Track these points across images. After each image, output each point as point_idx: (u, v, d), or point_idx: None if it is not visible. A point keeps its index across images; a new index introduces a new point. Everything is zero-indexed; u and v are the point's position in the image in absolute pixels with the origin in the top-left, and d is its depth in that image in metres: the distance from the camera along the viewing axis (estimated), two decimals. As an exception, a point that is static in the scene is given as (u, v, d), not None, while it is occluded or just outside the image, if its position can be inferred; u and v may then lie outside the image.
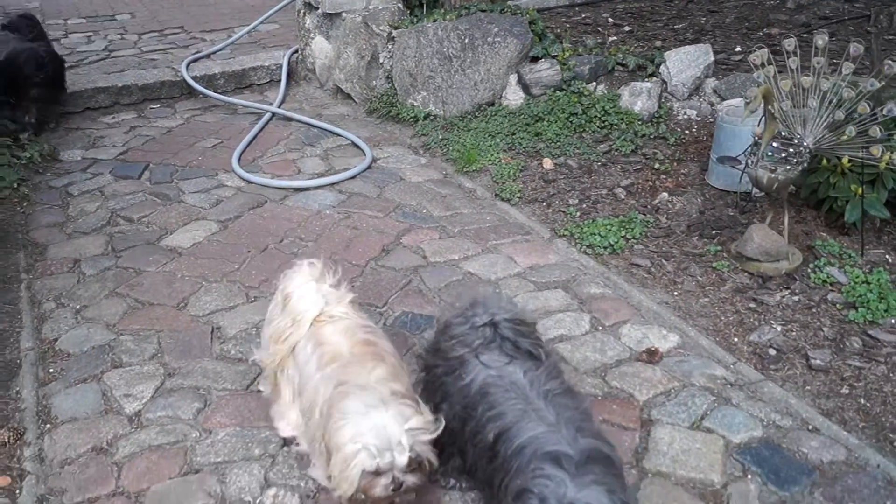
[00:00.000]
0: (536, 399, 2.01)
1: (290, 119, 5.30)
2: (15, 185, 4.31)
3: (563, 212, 3.91)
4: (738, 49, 5.38)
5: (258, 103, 5.57)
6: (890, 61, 3.25)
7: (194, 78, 5.72)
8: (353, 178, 4.36)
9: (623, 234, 3.65)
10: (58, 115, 5.27)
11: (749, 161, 3.35)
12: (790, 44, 3.43)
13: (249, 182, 4.36)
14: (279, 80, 5.90)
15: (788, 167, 3.26)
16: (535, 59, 5.01)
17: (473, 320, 2.19)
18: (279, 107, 5.50)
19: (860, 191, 3.41)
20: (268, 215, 3.99)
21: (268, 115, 5.27)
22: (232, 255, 3.62)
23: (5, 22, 5.29)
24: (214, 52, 6.30)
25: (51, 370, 2.92)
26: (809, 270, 3.34)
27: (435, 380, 2.26)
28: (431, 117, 5.01)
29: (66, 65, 5.60)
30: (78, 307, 3.28)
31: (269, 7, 7.57)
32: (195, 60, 6.06)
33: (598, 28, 6.03)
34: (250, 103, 5.55)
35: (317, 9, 5.68)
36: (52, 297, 3.36)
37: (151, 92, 5.70)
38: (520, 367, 2.10)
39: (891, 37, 5.50)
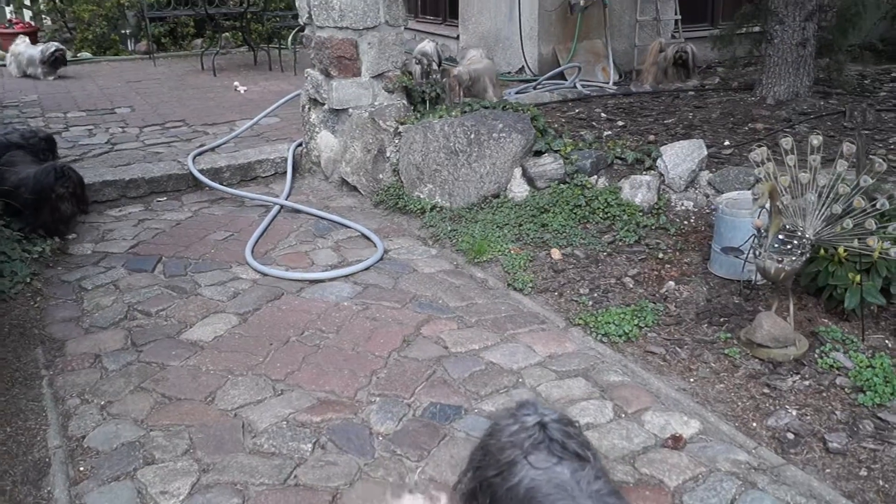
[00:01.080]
0: (584, 499, 2.07)
1: (298, 211, 5.42)
2: (28, 280, 4.35)
3: (576, 301, 4.03)
4: (727, 143, 5.62)
5: (266, 196, 5.70)
6: (879, 159, 3.51)
7: (201, 171, 5.86)
8: (366, 269, 4.47)
9: (636, 322, 3.77)
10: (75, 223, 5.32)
11: (756, 253, 3.55)
12: (787, 143, 3.68)
13: (265, 275, 4.45)
14: (284, 173, 6.06)
15: (793, 258, 3.46)
16: (538, 154, 5.22)
17: (523, 421, 2.26)
18: (286, 199, 5.63)
19: (858, 279, 3.57)
20: (286, 307, 4.07)
21: (276, 208, 5.40)
22: (255, 348, 3.68)
23: (21, 141, 5.34)
24: (219, 146, 6.45)
25: (81, 468, 2.91)
26: (816, 356, 3.47)
27: (483, 482, 2.31)
28: (438, 209, 5.17)
29: (70, 158, 5.71)
30: (103, 403, 3.30)
31: (267, 101, 7.82)
32: (200, 153, 6.20)
33: (593, 123, 6.28)
34: (258, 196, 5.68)
35: (323, 105, 5.90)
36: (75, 393, 3.37)
37: (158, 185, 5.82)
38: (567, 467, 2.16)
39: (866, 131, 5.79)
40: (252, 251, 4.71)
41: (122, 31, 11.65)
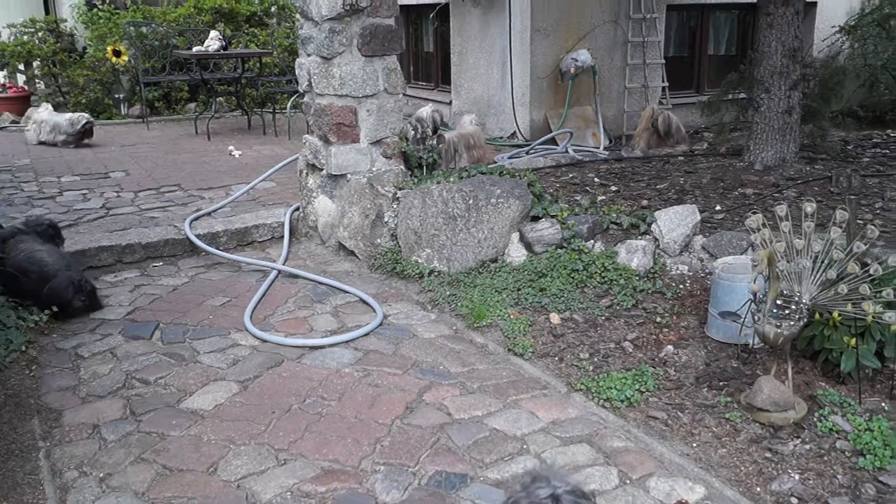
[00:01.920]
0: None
1: (295, 276, 5.45)
2: (23, 348, 4.32)
3: (577, 366, 4.06)
4: (718, 208, 5.72)
5: (263, 260, 5.73)
6: (872, 226, 3.63)
7: (197, 236, 5.89)
8: (366, 335, 4.49)
9: (637, 387, 3.79)
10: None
11: (754, 317, 3.61)
12: (782, 209, 3.80)
13: (264, 341, 4.45)
14: (281, 237, 6.09)
15: (791, 322, 3.53)
16: (535, 219, 5.30)
17: (536, 493, 2.27)
18: (284, 264, 5.66)
19: (853, 342, 3.63)
20: (287, 374, 4.07)
21: (274, 273, 5.42)
22: (256, 416, 3.67)
23: (24, 227, 5.32)
24: (215, 210, 6.49)
25: (82, 544, 2.87)
26: (815, 419, 3.49)
27: None
28: (436, 273, 5.21)
29: (65, 223, 5.70)
30: (102, 475, 3.25)
31: (262, 165, 7.90)
32: (197, 218, 6.23)
33: (587, 188, 6.38)
34: (255, 261, 5.71)
35: (321, 170, 5.97)
36: (73, 465, 3.32)
37: (154, 250, 5.83)
38: (580, 539, 2.17)
39: (852, 196, 5.90)
40: (251, 317, 4.72)
41: (116, 96, 11.75)
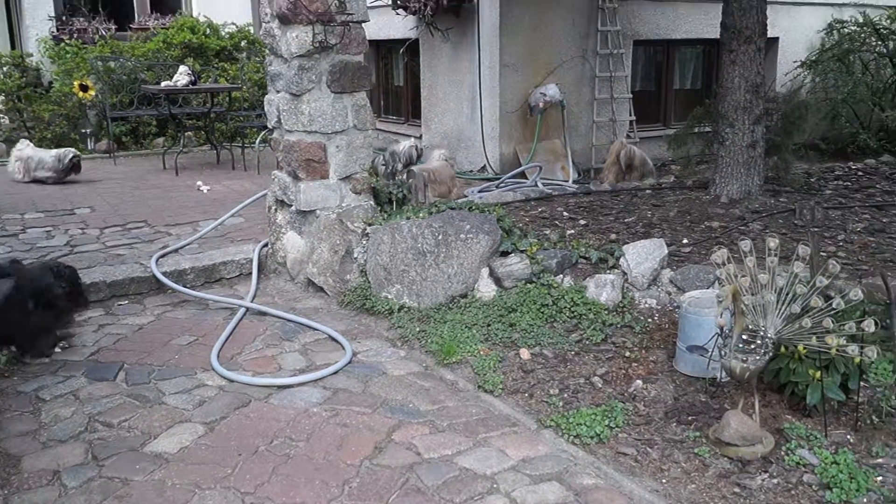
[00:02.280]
0: None
1: (264, 314, 5.40)
2: (-20, 393, 4.24)
3: (546, 402, 4.05)
4: (685, 241, 5.78)
5: (231, 298, 5.68)
6: (834, 261, 3.70)
7: (164, 273, 5.81)
8: (335, 373, 4.44)
9: (607, 422, 3.79)
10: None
11: (721, 352, 3.64)
12: (746, 245, 3.85)
13: (231, 381, 4.38)
14: (249, 274, 6.04)
15: (757, 357, 3.56)
16: (504, 254, 5.30)
17: None
18: (252, 301, 5.61)
19: (818, 375, 3.67)
20: (255, 415, 4.02)
21: (242, 311, 5.37)
22: (223, 458, 3.60)
23: None
24: (183, 247, 6.43)
25: None
26: (783, 453, 3.51)
27: None
28: (406, 309, 5.19)
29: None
30: (62, 524, 3.16)
31: (231, 200, 7.86)
32: (164, 255, 6.17)
33: (556, 222, 6.41)
34: (223, 298, 5.65)
35: (290, 206, 5.95)
36: (33, 513, 3.23)
37: (120, 288, 5.73)
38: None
39: (815, 228, 5.99)
40: (218, 356, 4.65)
41: (83, 131, 11.63)
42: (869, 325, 3.50)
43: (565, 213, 6.78)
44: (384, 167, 6.58)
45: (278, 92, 5.84)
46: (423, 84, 10.72)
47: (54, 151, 9.50)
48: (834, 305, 3.58)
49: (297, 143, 5.74)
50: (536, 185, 8.40)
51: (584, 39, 9.65)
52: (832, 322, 3.57)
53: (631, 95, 10.02)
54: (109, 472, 3.52)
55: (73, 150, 9.65)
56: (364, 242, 5.53)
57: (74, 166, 9.44)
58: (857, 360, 3.59)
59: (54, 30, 12.50)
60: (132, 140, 11.92)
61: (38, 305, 4.73)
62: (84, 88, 10.74)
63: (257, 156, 10.36)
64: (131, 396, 4.24)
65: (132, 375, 4.50)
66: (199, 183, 9.09)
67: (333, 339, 4.93)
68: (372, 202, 5.97)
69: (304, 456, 3.61)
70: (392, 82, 12.16)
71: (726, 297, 3.50)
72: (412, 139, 7.49)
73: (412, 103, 11.45)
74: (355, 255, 5.56)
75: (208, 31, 12.87)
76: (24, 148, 9.56)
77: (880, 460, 3.44)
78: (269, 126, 6.13)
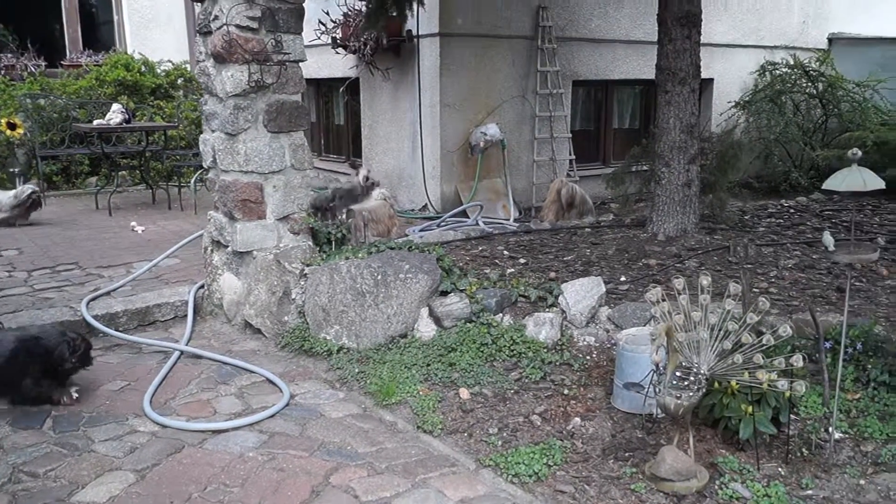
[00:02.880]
0: None
1: (199, 357, 5.30)
2: None
3: (485, 441, 4.03)
4: (623, 279, 5.84)
5: (165, 341, 5.56)
6: (763, 298, 3.81)
7: (95, 317, 5.66)
8: (272, 416, 4.37)
9: (545, 461, 3.78)
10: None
11: (656, 390, 3.68)
12: (679, 283, 3.93)
13: (164, 426, 4.28)
14: (185, 316, 5.93)
15: (691, 393, 3.62)
16: (444, 293, 5.30)
17: None
18: (187, 344, 5.51)
19: (750, 410, 3.73)
20: (188, 461, 3.92)
21: (176, 354, 5.26)
22: (154, 506, 3.52)
23: None
24: (115, 289, 6.28)
25: None
26: (717, 487, 3.55)
27: None
28: (345, 350, 5.14)
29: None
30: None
31: (166, 241, 7.73)
32: (95, 298, 6.01)
33: (496, 260, 6.44)
34: (157, 341, 5.53)
35: (226, 247, 5.87)
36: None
37: (49, 333, 5.60)
38: None
39: (749, 265, 6.12)
40: (151, 401, 4.54)
41: (11, 170, 11.25)
42: (797, 360, 3.60)
43: (505, 252, 6.81)
44: (326, 203, 6.56)
45: (214, 131, 5.79)
46: (364, 123, 10.75)
47: (12, 192, 9.11)
48: (764, 341, 3.69)
49: (233, 183, 5.68)
50: (478, 224, 8.45)
51: (524, 79, 9.79)
52: (763, 357, 3.67)
53: (570, 134, 10.17)
54: (33, 524, 3.40)
55: (30, 185, 9.31)
56: (302, 283, 5.48)
57: (34, 203, 9.10)
58: (788, 394, 3.67)
59: (-20, 66, 12.21)
60: (63, 180, 11.63)
61: (45, 374, 4.59)
62: (12, 126, 10.45)
63: (194, 196, 10.24)
64: (59, 445, 4.11)
65: (60, 423, 4.37)
66: (134, 223, 8.93)
67: (271, 382, 4.85)
68: (310, 242, 5.93)
69: (238, 502, 3.53)
70: (333, 121, 12.16)
71: (660, 335, 3.57)
72: (365, 168, 7.45)
73: (353, 142, 11.46)
74: (293, 297, 5.50)
75: (143, 68, 12.68)
76: None
77: (810, 492, 3.50)
78: (205, 166, 6.07)
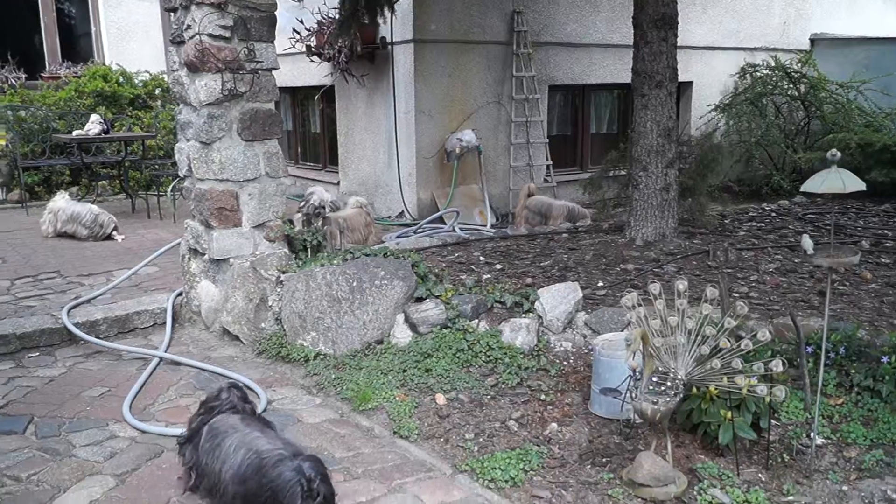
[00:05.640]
0: None
1: (178, 363, 5.30)
2: None
3: (462, 447, 4.05)
4: (600, 284, 5.87)
5: (144, 348, 5.56)
6: (741, 303, 3.80)
7: (76, 324, 5.66)
8: (250, 423, 4.38)
9: (522, 466, 3.80)
10: None
11: (632, 395, 3.70)
12: (655, 288, 3.93)
13: (144, 432, 4.29)
14: (164, 324, 5.93)
15: (668, 398, 3.63)
16: (419, 300, 5.33)
17: None
18: (166, 350, 5.51)
19: (729, 415, 3.74)
20: (167, 466, 3.92)
21: (156, 361, 5.26)
22: (133, 512, 3.53)
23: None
24: (95, 297, 6.28)
25: None
26: (696, 492, 3.56)
27: None
28: (322, 356, 5.16)
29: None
30: (-38, 584, 3.07)
31: (146, 250, 7.72)
32: (76, 306, 6.01)
33: (472, 267, 6.46)
34: (136, 349, 5.53)
35: (203, 255, 5.87)
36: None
37: (30, 340, 5.57)
38: None
39: (728, 270, 6.14)
40: (130, 407, 4.55)
41: (-7, 180, 11.38)
42: (777, 366, 3.59)
43: (482, 258, 6.83)
44: (300, 216, 6.57)
45: (188, 140, 5.79)
46: (340, 130, 10.76)
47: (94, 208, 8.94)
48: (743, 346, 3.68)
49: (208, 191, 5.69)
50: (454, 231, 8.47)
51: (500, 85, 9.83)
52: (742, 362, 3.67)
53: (547, 140, 10.21)
54: (14, 529, 3.41)
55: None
56: (278, 290, 5.49)
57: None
58: (768, 399, 3.66)
59: (-39, 79, 12.20)
60: (45, 189, 11.60)
61: None
62: (-6, 138, 10.51)
63: (172, 204, 10.22)
64: (41, 450, 4.12)
65: (42, 428, 4.38)
66: (114, 232, 8.90)
67: (248, 388, 4.85)
68: (286, 250, 5.94)
69: (215, 508, 3.54)
70: (309, 129, 12.17)
71: (635, 340, 3.55)
72: (319, 191, 7.44)
73: (329, 149, 11.47)
74: (270, 303, 5.51)
75: (121, 79, 12.72)
76: (59, 200, 8.98)
77: (791, 498, 3.51)
78: (181, 174, 6.07)
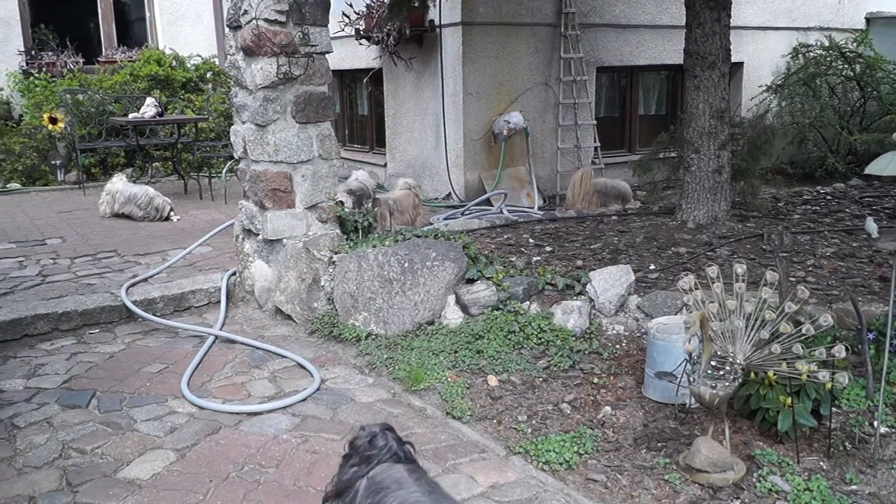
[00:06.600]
0: None
1: (232, 341, 5.39)
2: (-44, 420, 4.19)
3: (515, 428, 4.06)
4: (652, 267, 5.83)
5: (200, 326, 5.66)
6: (803, 287, 3.71)
7: (134, 302, 5.79)
8: (304, 400, 4.44)
9: (576, 449, 3.80)
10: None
11: (690, 378, 3.67)
12: (713, 271, 3.86)
13: (201, 408, 4.38)
14: (218, 302, 6.02)
15: (726, 383, 3.57)
16: (470, 281, 5.34)
17: None
18: (221, 329, 5.60)
19: (789, 401, 3.68)
20: (225, 442, 4.00)
21: (211, 339, 5.35)
22: (194, 485, 3.59)
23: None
24: (152, 276, 6.40)
25: None
26: (755, 479, 3.52)
27: None
28: (373, 336, 5.20)
29: (1, 291, 5.52)
30: (36, 550, 3.14)
31: (199, 230, 7.85)
32: (133, 284, 6.13)
33: (522, 248, 6.45)
34: (192, 326, 5.63)
35: (257, 235, 5.95)
36: (7, 539, 3.21)
37: (91, 317, 5.70)
38: None
39: (784, 254, 6.05)
40: (188, 384, 4.64)
41: (53, 162, 11.60)
42: (840, 351, 3.51)
43: (531, 240, 6.82)
44: (351, 198, 6.61)
45: (244, 123, 5.86)
46: (388, 113, 10.78)
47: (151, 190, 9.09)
48: (804, 331, 3.59)
49: (263, 173, 5.76)
50: (502, 212, 8.46)
51: (548, 67, 9.77)
52: (802, 348, 3.58)
53: (595, 122, 10.13)
54: (83, 498, 3.50)
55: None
56: (331, 270, 5.54)
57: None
58: (829, 385, 3.60)
59: (24, 64, 12.48)
60: (101, 171, 11.87)
61: None
62: (53, 121, 10.75)
63: (224, 185, 10.35)
64: (104, 423, 4.23)
65: (104, 403, 4.49)
66: (171, 213, 9.05)
67: (302, 367, 4.92)
68: (338, 231, 5.99)
69: (274, 482, 3.60)
70: (357, 111, 12.21)
71: (694, 324, 3.51)
72: (361, 175, 7.48)
73: (377, 132, 11.51)
74: (322, 284, 5.56)
75: (174, 63, 12.93)
76: (116, 182, 9.17)
77: (854, 487, 3.44)
78: (236, 156, 6.14)
